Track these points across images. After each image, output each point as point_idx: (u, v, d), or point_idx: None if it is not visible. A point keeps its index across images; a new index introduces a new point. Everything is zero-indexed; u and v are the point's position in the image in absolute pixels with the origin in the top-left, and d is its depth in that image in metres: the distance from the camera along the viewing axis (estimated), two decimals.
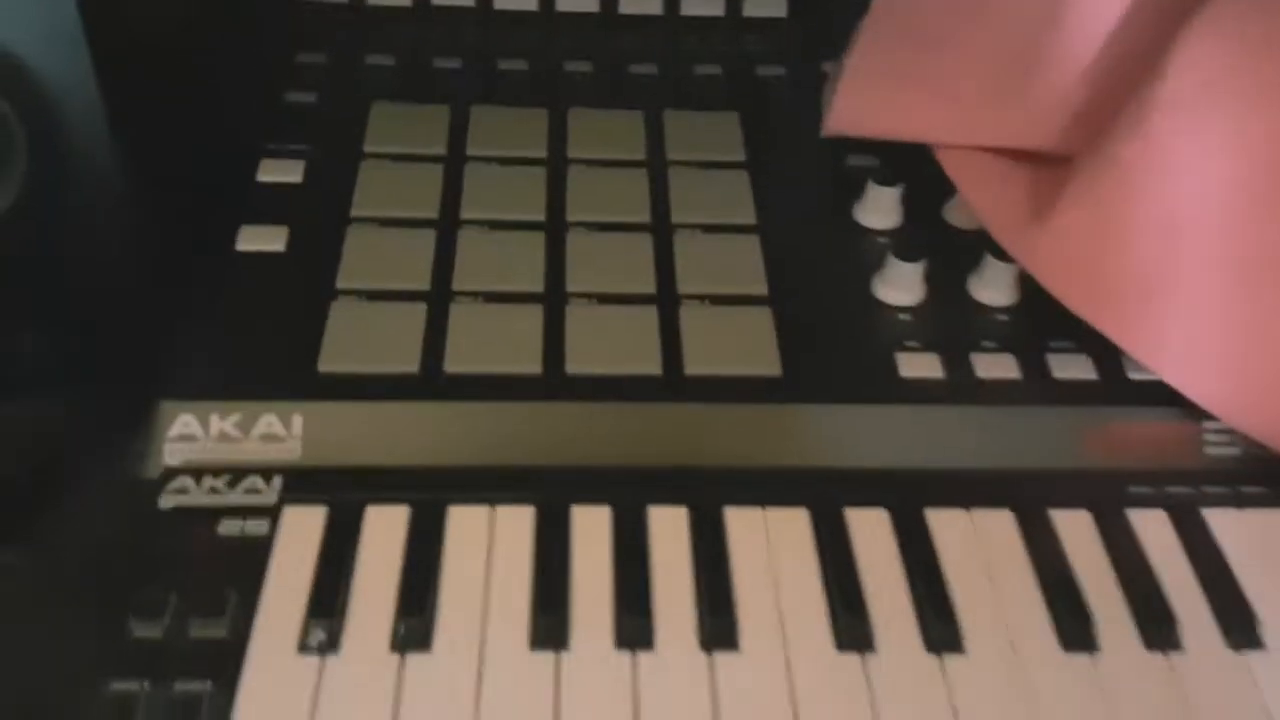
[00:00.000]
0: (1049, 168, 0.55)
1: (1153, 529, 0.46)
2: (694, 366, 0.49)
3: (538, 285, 0.52)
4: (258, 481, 0.45)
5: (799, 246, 0.55)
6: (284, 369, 0.48)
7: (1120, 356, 0.50)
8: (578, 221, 0.55)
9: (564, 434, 0.47)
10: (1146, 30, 0.51)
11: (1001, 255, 0.52)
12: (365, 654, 0.40)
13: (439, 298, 0.51)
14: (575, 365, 0.49)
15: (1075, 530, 0.46)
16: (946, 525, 0.46)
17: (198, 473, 0.45)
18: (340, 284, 0.51)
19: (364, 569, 0.43)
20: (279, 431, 0.46)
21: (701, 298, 0.52)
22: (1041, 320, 0.51)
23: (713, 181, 0.58)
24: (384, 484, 0.45)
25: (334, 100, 0.61)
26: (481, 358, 0.49)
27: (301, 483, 0.45)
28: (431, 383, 0.48)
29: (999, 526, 0.46)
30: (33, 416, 0.46)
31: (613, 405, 0.48)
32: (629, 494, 0.46)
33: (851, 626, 0.42)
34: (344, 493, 0.45)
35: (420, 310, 0.50)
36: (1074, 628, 0.43)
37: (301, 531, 0.44)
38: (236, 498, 0.44)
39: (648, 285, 0.52)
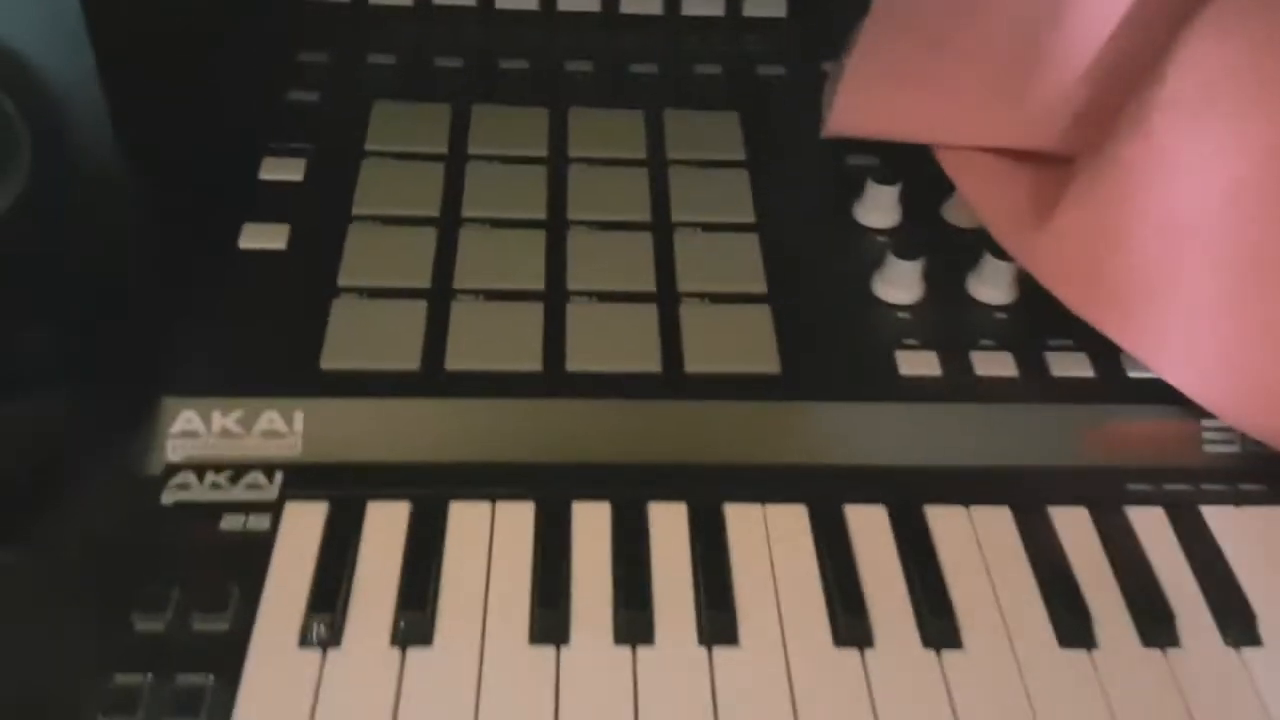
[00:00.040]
0: (1049, 168, 0.55)
1: (1151, 526, 0.47)
2: (694, 364, 0.49)
3: (538, 283, 0.52)
4: (259, 477, 0.45)
5: (798, 245, 0.55)
6: (286, 366, 0.48)
7: (1119, 354, 0.50)
8: (578, 220, 0.55)
9: (564, 431, 0.47)
10: (1147, 30, 0.52)
11: (1000, 254, 0.53)
12: (366, 648, 0.41)
13: (440, 295, 0.51)
14: (575, 363, 0.49)
15: (1074, 527, 0.46)
16: (945, 522, 0.46)
17: (200, 468, 0.45)
18: (342, 281, 0.51)
19: (365, 564, 0.43)
20: (281, 428, 0.46)
21: (701, 296, 0.52)
22: (1040, 318, 0.52)
23: (713, 180, 0.58)
24: (385, 480, 0.45)
25: (336, 99, 0.61)
26: (482, 355, 0.49)
27: (303, 479, 0.45)
28: (432, 380, 0.48)
29: (997, 523, 0.46)
30: (34, 415, 0.46)
31: (613, 402, 0.48)
32: (629, 490, 0.46)
33: (850, 622, 0.42)
34: (345, 488, 0.45)
35: (421, 308, 0.50)
36: (1072, 624, 0.43)
37: (303, 527, 0.44)
38: (238, 493, 0.45)
39: (648, 283, 0.52)
